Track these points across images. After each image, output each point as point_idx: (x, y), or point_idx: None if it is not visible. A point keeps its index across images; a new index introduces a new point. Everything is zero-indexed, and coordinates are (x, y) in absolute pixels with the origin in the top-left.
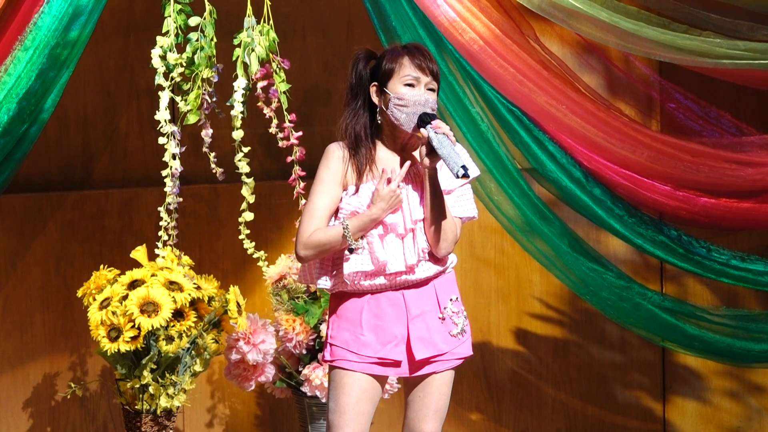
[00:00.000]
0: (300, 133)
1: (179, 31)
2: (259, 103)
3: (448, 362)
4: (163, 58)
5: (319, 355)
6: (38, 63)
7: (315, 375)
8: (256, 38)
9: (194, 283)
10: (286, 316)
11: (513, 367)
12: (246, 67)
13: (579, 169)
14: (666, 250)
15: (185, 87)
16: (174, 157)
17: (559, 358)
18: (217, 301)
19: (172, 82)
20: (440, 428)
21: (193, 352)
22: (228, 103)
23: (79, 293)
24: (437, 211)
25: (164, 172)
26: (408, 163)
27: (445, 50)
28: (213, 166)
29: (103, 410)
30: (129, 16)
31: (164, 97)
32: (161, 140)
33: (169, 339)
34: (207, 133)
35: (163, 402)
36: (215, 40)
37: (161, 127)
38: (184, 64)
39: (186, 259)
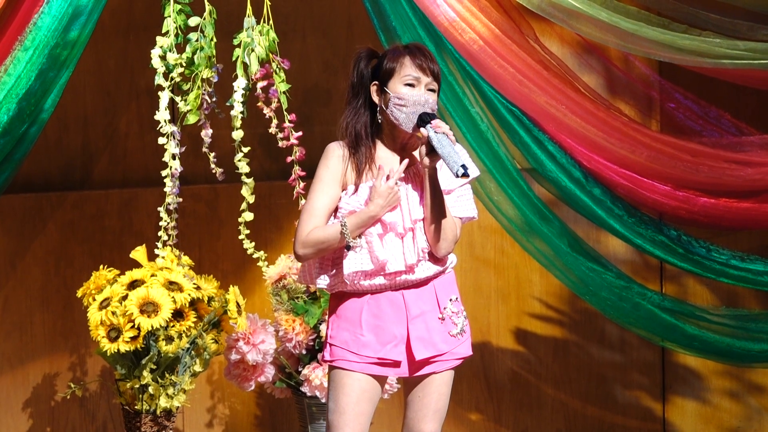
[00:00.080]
0: (300, 134)
1: (179, 32)
2: (259, 104)
3: (448, 362)
4: (163, 58)
5: (319, 356)
6: (38, 63)
7: (315, 375)
8: (256, 38)
9: (194, 284)
10: (285, 316)
11: (513, 367)
12: (246, 67)
13: (579, 169)
14: (666, 250)
15: (185, 87)
16: (174, 157)
17: (559, 358)
18: (217, 302)
19: (172, 82)
20: (440, 428)
21: (192, 353)
22: (228, 104)
23: (79, 293)
24: (437, 210)
25: (164, 173)
26: (407, 160)
27: (445, 50)
28: (213, 166)
29: (102, 410)
30: (129, 16)
31: (164, 97)
32: (161, 140)
33: (169, 339)
34: (207, 134)
35: (163, 402)
36: (215, 40)
37: (161, 127)
38: (184, 65)
39: (186, 260)
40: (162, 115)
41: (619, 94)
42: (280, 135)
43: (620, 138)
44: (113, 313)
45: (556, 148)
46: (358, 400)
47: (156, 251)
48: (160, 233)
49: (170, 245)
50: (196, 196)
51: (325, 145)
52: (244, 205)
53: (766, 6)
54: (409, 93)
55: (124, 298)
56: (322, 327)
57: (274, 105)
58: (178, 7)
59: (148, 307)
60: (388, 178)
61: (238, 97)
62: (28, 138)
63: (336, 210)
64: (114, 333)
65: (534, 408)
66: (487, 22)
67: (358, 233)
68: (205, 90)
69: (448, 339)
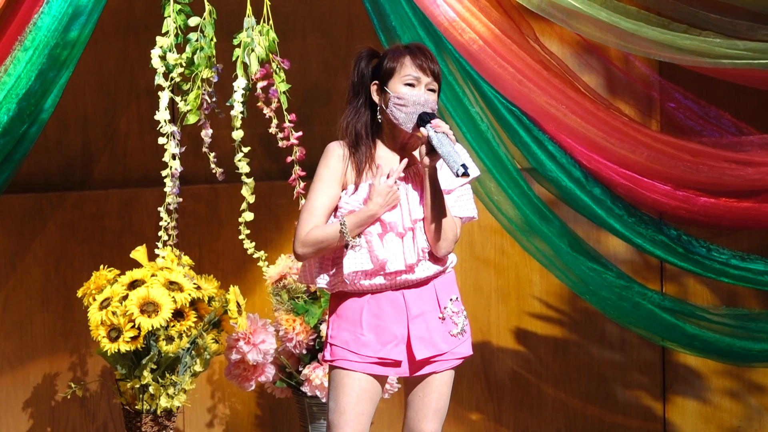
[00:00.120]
0: (300, 133)
1: (179, 32)
2: (259, 104)
3: (448, 362)
4: (163, 58)
5: (319, 355)
6: (38, 63)
7: (315, 375)
8: (256, 38)
9: (194, 283)
10: (286, 316)
11: (513, 366)
12: (246, 67)
13: (579, 169)
14: (666, 249)
15: (185, 87)
16: (174, 157)
17: (559, 357)
18: (217, 301)
19: (172, 82)
20: (440, 428)
21: (193, 352)
22: (228, 104)
23: (79, 293)
24: (437, 210)
25: (164, 173)
26: (406, 159)
27: (445, 50)
28: (213, 166)
29: (103, 410)
30: (129, 16)
31: (164, 97)
32: (161, 140)
33: (169, 339)
34: (207, 134)
35: (163, 402)
36: (215, 40)
37: (161, 127)
38: (184, 65)
39: (186, 259)
40: (162, 115)
41: (619, 94)
42: (280, 135)
43: (620, 138)
44: (113, 313)
45: (556, 148)
46: (359, 400)
47: (156, 251)
48: (160, 233)
49: (170, 245)
50: (196, 196)
51: (325, 145)
52: (244, 205)
53: (766, 6)
54: (409, 93)
55: (125, 298)
56: (323, 327)
57: (274, 105)
58: (178, 7)
59: (149, 307)
60: (387, 177)
61: (238, 97)
62: (28, 138)
63: (336, 209)
64: (114, 333)
65: (534, 408)
66: (486, 22)
67: (358, 232)
68: (205, 90)
69: (448, 339)
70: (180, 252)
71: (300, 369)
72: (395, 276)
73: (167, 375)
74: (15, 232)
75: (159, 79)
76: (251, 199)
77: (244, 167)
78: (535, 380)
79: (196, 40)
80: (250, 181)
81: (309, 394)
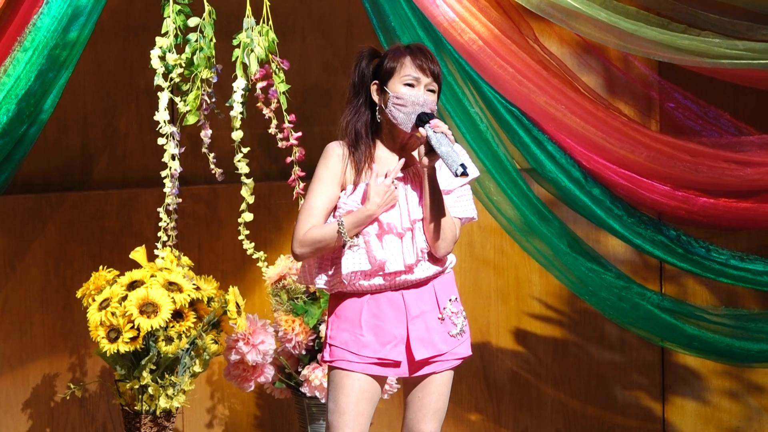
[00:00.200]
0: (299, 134)
1: (178, 32)
2: (259, 104)
3: (448, 362)
4: (163, 58)
5: (319, 356)
6: (37, 64)
7: (314, 375)
8: (256, 39)
9: (193, 284)
10: (285, 316)
11: (512, 367)
12: (245, 67)
13: (578, 169)
14: (665, 250)
15: (184, 88)
16: (173, 157)
17: (559, 358)
18: (217, 302)
19: (172, 82)
20: (439, 428)
21: (192, 353)
22: (227, 104)
23: (79, 294)
24: (436, 210)
25: (163, 173)
26: (403, 159)
27: (445, 50)
28: (212, 166)
29: (102, 411)
30: (128, 16)
31: (163, 97)
32: (160, 141)
33: (169, 340)
34: (206, 134)
35: (163, 403)
36: (214, 40)
37: (160, 127)
38: (184, 65)
39: (185, 260)
40: (161, 115)
41: (618, 94)
42: (279, 135)
43: (620, 138)
44: (113, 313)
45: (556, 148)
46: (358, 401)
47: (155, 252)
48: (159, 234)
49: (170, 246)
50: (196, 197)
51: (324, 146)
52: (243, 206)
53: (765, 6)
54: (408, 93)
55: (124, 298)
56: (322, 327)
57: (273, 105)
58: (178, 7)
59: (148, 308)
60: (385, 176)
61: (237, 97)
62: (27, 138)
63: (335, 209)
64: (114, 333)
65: (534, 408)
66: (486, 22)
67: (356, 232)
68: (204, 90)
69: (447, 339)
70: (179, 252)
71: (299, 369)
72: (394, 276)
73: (166, 376)
74: (14, 232)
75: (158, 80)
76: (251, 199)
77: (243, 168)
78: (534, 381)
79: (196, 41)
80: (249, 181)
81: (308, 394)
